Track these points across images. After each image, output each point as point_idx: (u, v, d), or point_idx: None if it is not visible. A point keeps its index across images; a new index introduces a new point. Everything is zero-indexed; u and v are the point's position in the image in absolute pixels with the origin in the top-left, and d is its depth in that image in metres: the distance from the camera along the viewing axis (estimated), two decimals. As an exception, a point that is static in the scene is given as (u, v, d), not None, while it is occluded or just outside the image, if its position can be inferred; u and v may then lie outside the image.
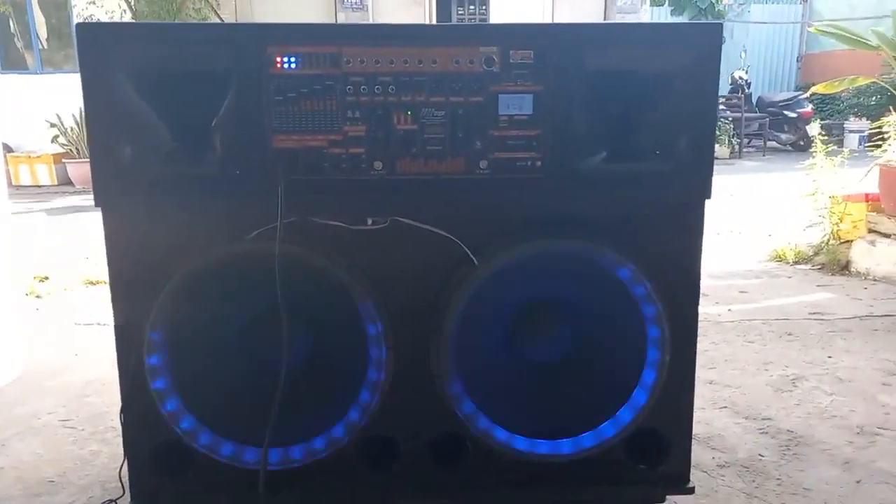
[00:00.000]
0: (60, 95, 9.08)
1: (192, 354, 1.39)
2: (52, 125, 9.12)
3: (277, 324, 1.32)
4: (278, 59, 1.30)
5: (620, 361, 1.46)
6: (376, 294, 1.38)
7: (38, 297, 3.91)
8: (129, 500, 1.47)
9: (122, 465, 1.47)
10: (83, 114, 1.31)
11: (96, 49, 1.28)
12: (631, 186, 1.36)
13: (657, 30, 1.34)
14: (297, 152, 1.33)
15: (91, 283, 4.19)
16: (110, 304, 1.38)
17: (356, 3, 10.03)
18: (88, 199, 7.72)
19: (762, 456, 1.96)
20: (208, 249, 1.35)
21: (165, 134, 1.32)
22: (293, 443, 1.43)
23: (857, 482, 1.82)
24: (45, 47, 10.38)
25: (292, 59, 1.29)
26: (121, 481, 1.52)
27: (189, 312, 1.36)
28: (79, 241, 5.31)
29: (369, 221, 1.37)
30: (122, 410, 1.42)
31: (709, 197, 1.38)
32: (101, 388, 2.49)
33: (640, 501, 1.56)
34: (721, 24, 1.37)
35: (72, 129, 9.11)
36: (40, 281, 4.20)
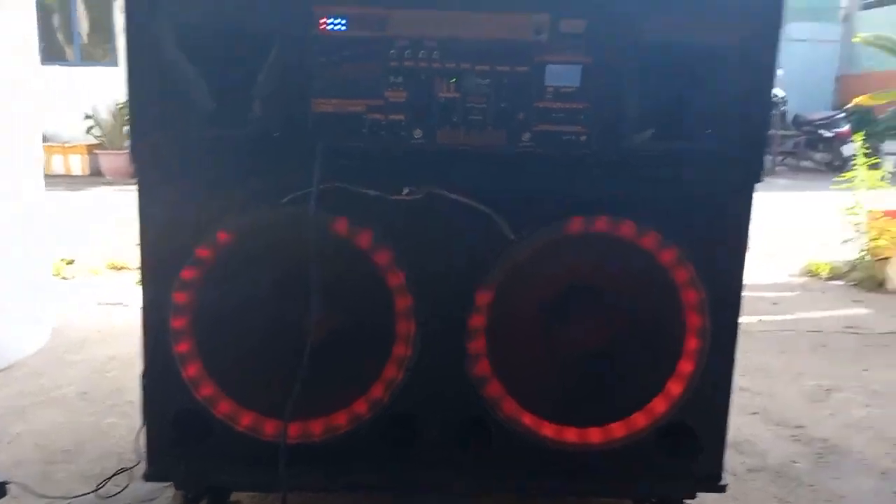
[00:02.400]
0: (97, 88, 9.24)
1: (217, 320, 1.36)
2: (88, 116, 9.27)
3: (305, 292, 1.29)
4: (323, 20, 1.27)
5: (657, 350, 1.40)
6: (408, 267, 1.34)
7: (63, 278, 3.93)
8: (144, 468, 1.43)
9: (138, 433, 1.45)
10: (126, 75, 1.29)
11: (143, 3, 1.26)
12: (679, 166, 1.31)
13: (713, 1, 1.28)
14: (336, 116, 1.30)
15: (116, 267, 4.21)
16: (139, 266, 1.36)
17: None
18: (119, 190, 7.86)
19: (795, 462, 1.89)
20: (241, 213, 1.32)
21: (206, 93, 1.30)
22: (314, 417, 1.39)
23: (894, 492, 1.74)
24: (86, 41, 10.54)
25: (337, 20, 1.26)
26: (137, 450, 1.50)
27: (217, 276, 1.33)
28: (107, 228, 5.36)
29: (405, 191, 1.33)
30: (144, 374, 1.40)
31: (760, 181, 1.32)
32: (123, 364, 2.48)
33: (670, 498, 1.49)
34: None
35: (106, 122, 9.26)
36: (67, 263, 4.22)
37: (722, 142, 1.30)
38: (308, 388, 1.30)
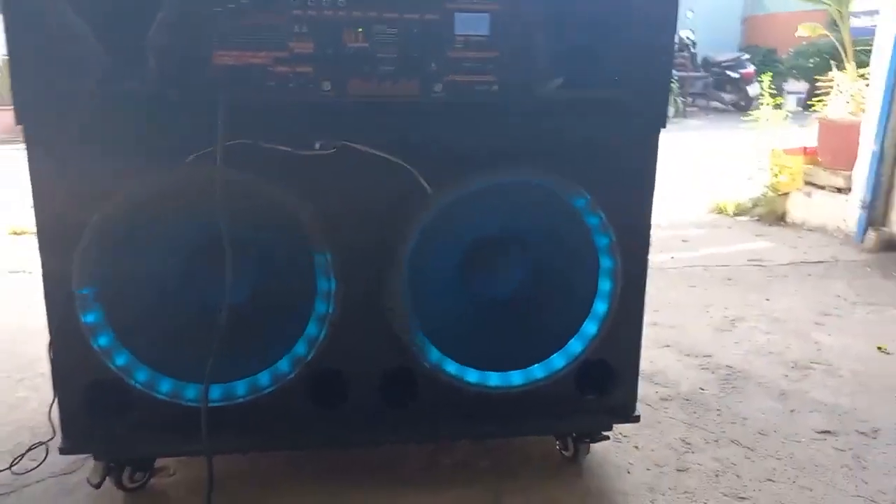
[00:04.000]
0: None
1: (126, 287, 1.31)
2: (-30, 68, 8.53)
3: (219, 254, 1.25)
4: (217, -33, 1.20)
5: (572, 293, 1.45)
6: (324, 223, 1.32)
7: (-39, 247, 3.68)
8: (59, 441, 1.39)
9: (51, 406, 1.39)
10: (4, 27, 1.19)
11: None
12: (588, 113, 1.33)
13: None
14: (239, 69, 1.24)
15: (16, 232, 3.98)
16: (36, 236, 1.28)
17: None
18: (12, 148, 7.32)
19: (703, 390, 2.02)
20: (143, 174, 1.26)
21: (96, 48, 1.21)
22: (237, 378, 1.37)
23: (791, 411, 1.90)
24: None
25: (232, -33, 1.19)
26: (51, 422, 1.44)
27: (123, 242, 1.28)
28: (9, 191, 5.01)
29: (317, 146, 1.30)
30: (50, 346, 1.34)
31: (664, 126, 1.37)
32: (31, 334, 2.35)
33: (588, 431, 1.57)
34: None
35: (-8, 73, 8.54)
36: (-39, 230, 3.95)
37: (627, 90, 1.32)
38: (229, 350, 1.28)
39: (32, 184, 1.26)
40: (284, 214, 1.30)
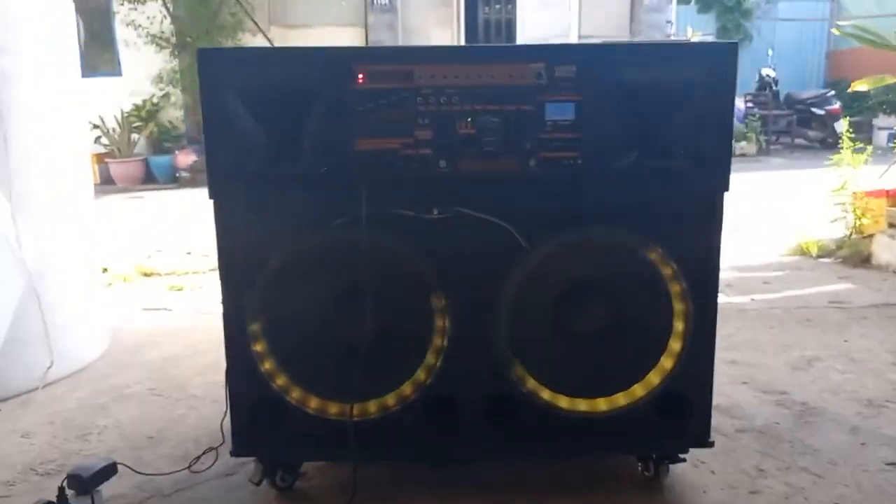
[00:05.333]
0: (100, 98, 9.47)
1: (286, 323, 1.66)
2: (95, 126, 9.52)
3: (359, 298, 1.59)
4: (360, 76, 1.56)
5: (650, 332, 1.69)
6: (441, 273, 1.64)
7: (107, 285, 4.21)
8: (228, 447, 1.73)
9: (223, 418, 1.74)
10: (204, 122, 1.58)
11: (212, 69, 1.55)
12: (659, 181, 1.59)
13: (679, 49, 1.57)
14: (375, 153, 1.59)
15: (146, 274, 4.49)
16: (220, 281, 1.65)
17: (385, 4, 10.32)
18: (131, 198, 8.16)
19: (777, 423, 2.18)
20: (302, 235, 1.61)
21: (267, 140, 1.59)
22: (369, 398, 1.68)
23: (862, 444, 2.04)
24: (84, 51, 10.76)
25: (372, 76, 1.55)
26: (222, 431, 1.79)
27: (285, 288, 1.63)
28: (129, 235, 5.65)
29: (436, 212, 1.62)
30: (227, 370, 1.69)
31: (727, 189, 1.61)
32: (178, 363, 2.79)
33: (667, 454, 1.79)
34: (737, 44, 1.60)
35: (113, 130, 9.48)
36: (102, 272, 4.51)
37: (693, 159, 1.58)
38: (364, 375, 1.60)
39: (218, 242, 1.64)
40: (410, 267, 1.63)
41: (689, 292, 1.64)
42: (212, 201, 1.62)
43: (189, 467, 1.86)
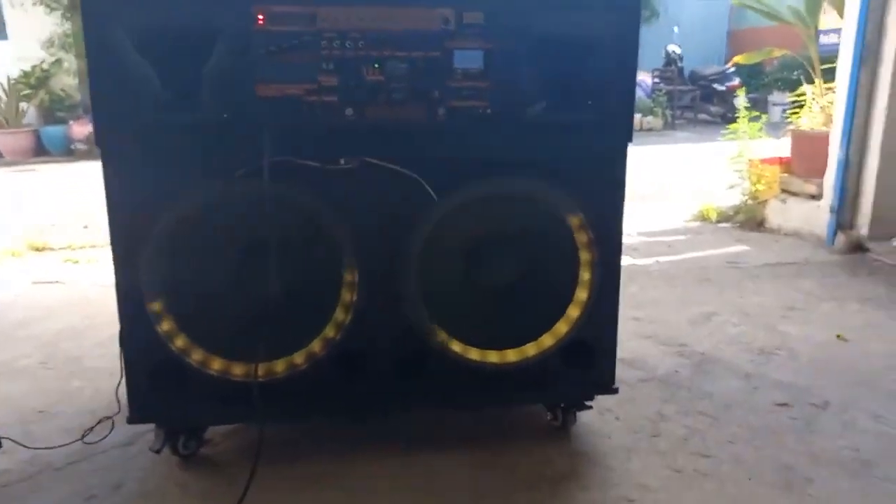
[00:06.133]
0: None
1: (185, 281, 1.57)
2: (-23, 94, 8.80)
3: (262, 253, 1.52)
4: (260, 17, 1.48)
5: (557, 282, 1.72)
6: (348, 226, 1.59)
7: (-16, 262, 3.92)
8: (126, 414, 1.64)
9: (118, 384, 1.64)
10: (88, 72, 1.46)
11: (99, 5, 1.43)
12: (566, 131, 1.61)
13: (586, -3, 1.58)
14: (277, 100, 1.51)
15: (37, 248, 4.20)
16: (110, 237, 1.54)
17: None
18: (20, 171, 7.60)
19: (677, 372, 2.28)
20: (199, 186, 1.53)
21: (160, 84, 1.48)
22: (276, 357, 1.63)
23: (754, 388, 2.16)
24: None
25: (272, 18, 1.47)
26: (117, 399, 1.70)
27: (182, 244, 1.54)
28: (18, 210, 5.27)
29: (342, 162, 1.57)
30: (121, 333, 1.59)
31: (630, 140, 1.64)
32: (72, 335, 2.62)
33: (574, 401, 1.83)
34: (639, -6, 1.62)
35: (-1, 99, 8.80)
36: (-16, 247, 4.19)
37: (599, 111, 1.60)
38: (270, 334, 1.54)
39: (107, 195, 1.53)
40: (315, 219, 1.57)
41: (595, 242, 1.67)
42: (100, 153, 1.51)
43: (82, 438, 1.75)
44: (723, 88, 11.00)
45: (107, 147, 1.51)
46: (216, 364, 1.61)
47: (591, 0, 1.55)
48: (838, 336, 2.60)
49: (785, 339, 2.57)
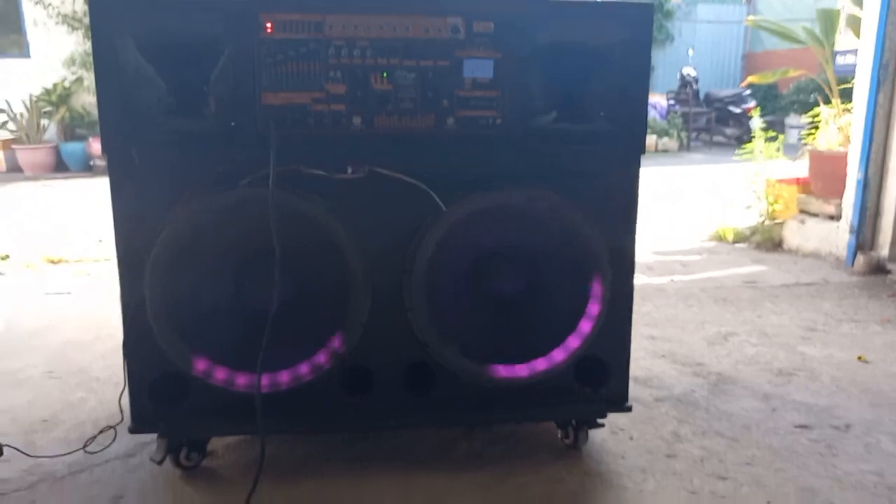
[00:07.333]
0: (7, 81, 8.89)
1: (188, 292, 1.55)
2: (1, 111, 8.93)
3: (267, 262, 1.49)
4: (268, 25, 1.47)
5: (569, 296, 1.67)
6: (356, 236, 1.56)
7: (1, 273, 3.94)
8: (128, 424, 1.61)
9: (121, 394, 1.62)
10: (96, 70, 1.45)
11: (105, 11, 1.43)
12: (578, 142, 1.57)
13: (598, 8, 1.55)
14: (284, 108, 1.50)
15: (52, 261, 4.23)
16: (115, 246, 1.53)
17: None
18: (42, 186, 7.68)
19: (693, 392, 2.22)
20: (204, 194, 1.51)
21: (167, 93, 1.47)
22: (281, 369, 1.60)
23: (773, 409, 2.09)
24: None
25: (280, 25, 1.46)
26: (120, 409, 1.67)
27: (186, 252, 1.52)
28: (35, 224, 5.32)
29: (349, 171, 1.55)
30: (124, 344, 1.57)
31: (643, 152, 1.60)
32: (80, 346, 2.61)
33: (586, 419, 1.78)
34: (652, 6, 1.60)
35: (21, 115, 8.92)
36: (2, 259, 4.22)
37: (611, 123, 1.57)
38: (275, 344, 1.51)
39: (113, 204, 1.52)
40: (321, 229, 1.55)
41: (607, 254, 1.63)
42: (105, 161, 1.50)
43: (84, 448, 1.73)
44: (739, 111, 10.94)
45: (113, 154, 1.50)
46: (220, 374, 1.58)
47: (604, 8, 1.53)
48: (859, 357, 2.52)
49: (805, 360, 2.50)
